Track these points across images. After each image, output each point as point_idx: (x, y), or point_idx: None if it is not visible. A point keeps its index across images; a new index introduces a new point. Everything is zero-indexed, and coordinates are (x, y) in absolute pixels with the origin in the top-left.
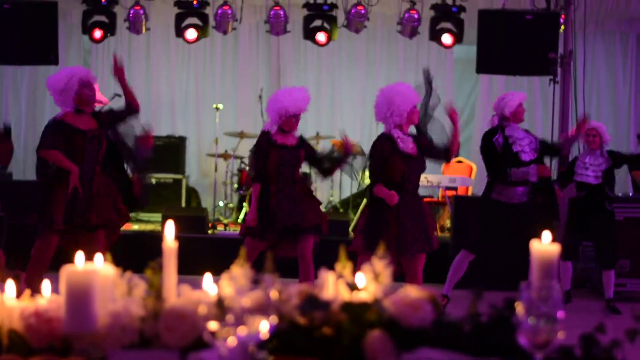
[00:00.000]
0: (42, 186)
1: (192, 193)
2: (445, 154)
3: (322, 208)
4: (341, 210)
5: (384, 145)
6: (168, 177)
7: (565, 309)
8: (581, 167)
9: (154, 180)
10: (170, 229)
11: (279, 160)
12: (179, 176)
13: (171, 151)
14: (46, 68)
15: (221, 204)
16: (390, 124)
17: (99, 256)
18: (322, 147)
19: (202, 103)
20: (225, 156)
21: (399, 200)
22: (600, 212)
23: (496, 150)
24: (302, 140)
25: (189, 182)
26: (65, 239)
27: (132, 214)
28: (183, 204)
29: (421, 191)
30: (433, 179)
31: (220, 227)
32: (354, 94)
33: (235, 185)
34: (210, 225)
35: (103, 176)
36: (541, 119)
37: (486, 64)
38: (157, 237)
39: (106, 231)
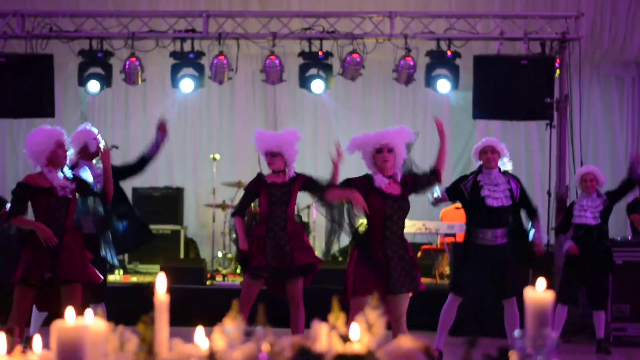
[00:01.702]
0: (19, 244)
1: (191, 244)
2: (433, 174)
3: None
4: (340, 259)
5: (360, 179)
6: (166, 228)
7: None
8: (579, 210)
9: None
10: (162, 282)
11: (268, 198)
12: (177, 227)
13: (169, 202)
14: (43, 121)
15: (219, 254)
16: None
17: (89, 311)
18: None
19: (199, 153)
20: (223, 206)
21: (383, 241)
22: (598, 251)
23: (464, 194)
24: (296, 176)
25: (187, 232)
26: (41, 294)
27: (130, 266)
28: (182, 255)
29: (419, 238)
30: (431, 226)
31: (219, 278)
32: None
33: (234, 235)
34: (208, 275)
35: (75, 233)
36: (539, 162)
37: (482, 110)
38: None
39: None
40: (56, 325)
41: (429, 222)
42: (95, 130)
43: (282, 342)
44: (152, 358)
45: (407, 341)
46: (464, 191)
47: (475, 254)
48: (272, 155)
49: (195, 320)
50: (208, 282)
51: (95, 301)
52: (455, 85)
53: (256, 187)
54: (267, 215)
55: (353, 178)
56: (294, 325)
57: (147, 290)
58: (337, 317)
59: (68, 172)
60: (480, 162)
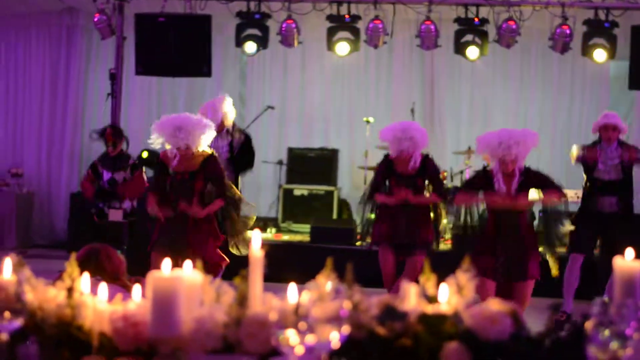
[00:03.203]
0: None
1: (344, 205)
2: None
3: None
4: None
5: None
6: (320, 188)
7: None
8: None
9: (306, 192)
10: (257, 240)
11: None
12: (331, 188)
13: (324, 163)
14: (203, 80)
15: (373, 216)
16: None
17: (188, 263)
18: (474, 161)
19: (355, 116)
20: (374, 169)
21: None
22: None
23: None
24: (425, 162)
25: (340, 194)
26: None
27: (284, 225)
28: (334, 216)
29: (572, 207)
30: None
31: (369, 239)
32: (507, 108)
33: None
34: (358, 237)
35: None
36: None
37: (639, 80)
38: (305, 248)
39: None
40: (152, 275)
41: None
42: (230, 100)
43: (370, 301)
44: (243, 311)
45: (494, 304)
46: None
47: None
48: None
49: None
50: (358, 243)
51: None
52: (612, 55)
53: (385, 174)
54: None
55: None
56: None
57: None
58: (428, 278)
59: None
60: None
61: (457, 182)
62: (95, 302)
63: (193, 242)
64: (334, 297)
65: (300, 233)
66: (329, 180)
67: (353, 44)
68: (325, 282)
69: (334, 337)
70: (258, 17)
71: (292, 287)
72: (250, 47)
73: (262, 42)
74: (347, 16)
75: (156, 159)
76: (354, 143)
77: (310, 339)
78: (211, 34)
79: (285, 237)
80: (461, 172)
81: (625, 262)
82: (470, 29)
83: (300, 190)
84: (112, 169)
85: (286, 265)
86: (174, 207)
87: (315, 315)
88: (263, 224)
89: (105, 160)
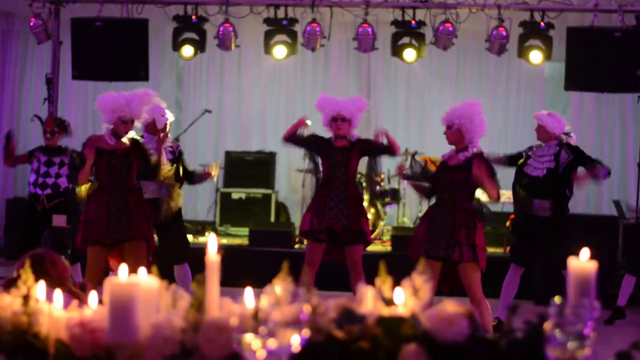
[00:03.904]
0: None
1: (281, 208)
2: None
3: (411, 224)
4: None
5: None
6: (258, 192)
7: (617, 325)
8: None
9: (243, 195)
10: (213, 243)
11: (329, 161)
12: (268, 191)
13: (261, 166)
14: (139, 85)
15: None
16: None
17: (142, 269)
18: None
19: (292, 119)
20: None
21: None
22: None
23: None
24: (357, 141)
25: (278, 197)
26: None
27: (221, 228)
28: (272, 219)
29: (508, 207)
30: None
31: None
32: (443, 110)
33: None
34: (297, 239)
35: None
36: (632, 136)
37: (575, 81)
38: (244, 251)
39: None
40: (109, 282)
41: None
42: (164, 105)
43: (327, 304)
44: (200, 316)
45: (450, 306)
46: None
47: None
48: (342, 120)
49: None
50: (297, 246)
51: (178, 262)
52: (548, 56)
53: (321, 143)
54: (328, 178)
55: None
56: (354, 287)
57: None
58: (383, 280)
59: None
60: None
61: (395, 185)
62: (51, 309)
63: (133, 221)
64: (290, 301)
65: (238, 237)
66: (267, 183)
67: (290, 47)
68: (282, 286)
69: (295, 341)
70: (195, 21)
71: (249, 291)
72: (187, 50)
73: (200, 46)
74: (284, 19)
75: (84, 146)
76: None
77: (272, 343)
78: (148, 38)
79: (224, 241)
80: None
81: (580, 262)
82: (407, 32)
83: (237, 193)
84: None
85: (226, 268)
86: (117, 186)
87: (275, 319)
88: (201, 227)
89: (44, 150)
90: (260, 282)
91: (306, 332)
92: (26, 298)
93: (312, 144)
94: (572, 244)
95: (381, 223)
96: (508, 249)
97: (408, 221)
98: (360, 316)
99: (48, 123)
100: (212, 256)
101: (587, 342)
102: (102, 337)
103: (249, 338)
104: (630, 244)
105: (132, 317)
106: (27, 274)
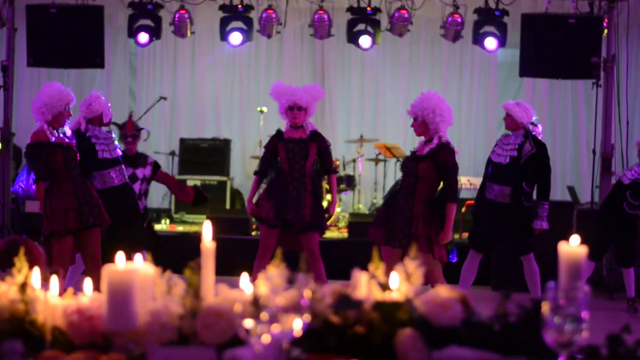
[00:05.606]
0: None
1: (237, 195)
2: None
3: (366, 210)
4: None
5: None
6: (213, 179)
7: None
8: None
9: (199, 183)
10: (208, 230)
11: (286, 154)
12: (223, 178)
13: (216, 154)
14: (92, 71)
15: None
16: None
17: (139, 256)
18: (366, 149)
19: (247, 106)
20: None
21: None
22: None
23: None
24: (313, 135)
25: (233, 184)
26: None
27: (177, 216)
28: (227, 206)
29: (465, 194)
30: (476, 182)
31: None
32: (397, 97)
33: None
34: (254, 227)
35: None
36: (585, 121)
37: (529, 68)
38: (199, 239)
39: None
40: (108, 269)
41: (474, 178)
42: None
43: (323, 290)
44: (198, 302)
45: (445, 291)
46: None
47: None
48: (298, 109)
49: (240, 270)
50: (253, 233)
51: (140, 249)
52: (503, 43)
53: (274, 143)
54: (286, 172)
55: None
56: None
57: (195, 238)
58: (376, 266)
59: (68, 131)
60: None
61: (350, 171)
62: (47, 296)
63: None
64: (285, 287)
65: (195, 224)
66: (222, 170)
67: (246, 34)
68: (277, 272)
69: (297, 326)
70: (150, 8)
71: (245, 277)
72: (142, 37)
73: (155, 33)
74: (240, 6)
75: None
76: (246, 133)
77: (276, 328)
78: (103, 25)
79: (180, 228)
80: (354, 160)
81: (570, 247)
82: (362, 18)
83: (192, 180)
84: (133, 166)
85: (183, 256)
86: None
87: (279, 305)
88: (156, 215)
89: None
90: (218, 270)
91: (307, 317)
92: (23, 286)
93: (273, 155)
94: (528, 229)
95: (337, 210)
96: (465, 234)
97: (364, 207)
98: (356, 301)
99: (128, 126)
100: (208, 243)
101: (583, 324)
102: (100, 324)
103: (251, 323)
104: (585, 229)
105: (130, 304)
106: (21, 262)
